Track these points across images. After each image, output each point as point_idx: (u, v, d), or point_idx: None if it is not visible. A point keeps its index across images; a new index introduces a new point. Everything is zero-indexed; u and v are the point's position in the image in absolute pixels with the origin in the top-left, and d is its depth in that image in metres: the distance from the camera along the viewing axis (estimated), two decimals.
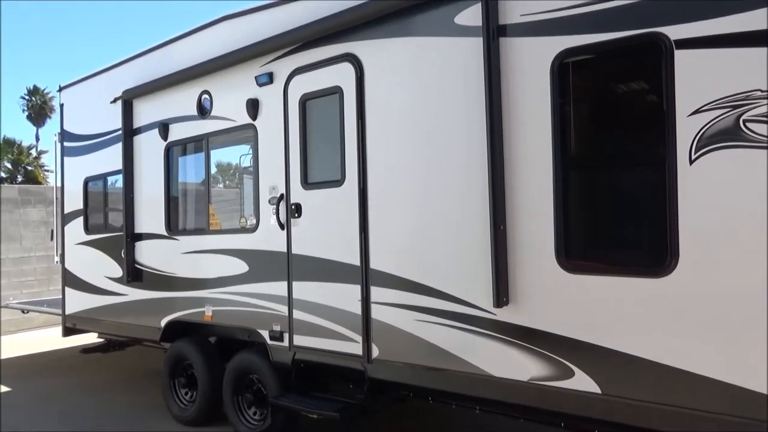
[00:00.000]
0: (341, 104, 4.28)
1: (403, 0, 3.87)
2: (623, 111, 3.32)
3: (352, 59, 4.22)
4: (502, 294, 3.40)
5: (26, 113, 50.65)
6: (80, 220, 6.86)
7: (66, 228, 7.09)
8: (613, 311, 3.08)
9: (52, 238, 7.39)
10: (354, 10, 4.13)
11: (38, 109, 50.75)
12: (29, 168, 38.35)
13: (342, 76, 4.27)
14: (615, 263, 3.12)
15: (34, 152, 40.93)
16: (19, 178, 36.54)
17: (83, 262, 6.80)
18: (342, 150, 4.27)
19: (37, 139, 49.52)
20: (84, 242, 6.77)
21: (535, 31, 3.36)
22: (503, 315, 3.46)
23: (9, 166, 37.78)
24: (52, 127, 61.78)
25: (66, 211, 7.09)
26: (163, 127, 5.70)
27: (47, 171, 39.95)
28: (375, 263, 4.10)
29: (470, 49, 3.61)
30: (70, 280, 6.98)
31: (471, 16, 3.61)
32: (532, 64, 3.36)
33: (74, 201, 6.97)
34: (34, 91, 50.76)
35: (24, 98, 50.58)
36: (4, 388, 7.06)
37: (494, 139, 3.43)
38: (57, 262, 7.22)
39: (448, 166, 3.73)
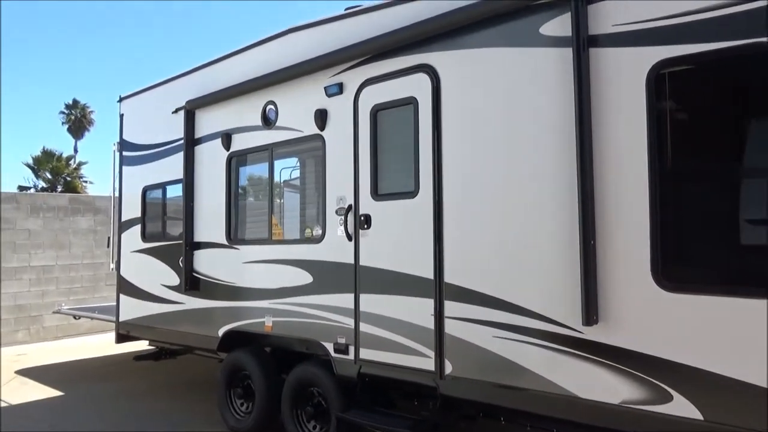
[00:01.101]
0: (416, 115, 4.23)
1: (484, 10, 3.82)
2: (722, 121, 3.20)
3: (428, 70, 4.17)
4: (591, 312, 3.28)
5: (66, 126, 51.97)
6: (137, 228, 6.93)
7: (122, 236, 7.17)
8: (717, 333, 2.93)
9: (108, 246, 7.48)
10: (431, 22, 4.10)
11: (77, 122, 52.05)
12: (68, 179, 39.25)
13: (417, 86, 4.23)
14: (719, 282, 2.98)
15: (72, 163, 41.88)
16: (59, 189, 37.42)
17: (139, 269, 6.85)
18: (416, 161, 4.21)
19: (76, 150, 50.75)
20: (141, 250, 6.83)
21: (629, 41, 3.27)
22: (592, 334, 3.33)
23: (49, 176, 38.74)
24: (89, 140, 63.45)
25: (123, 219, 7.18)
26: (226, 137, 5.74)
27: (86, 182, 40.86)
28: (450, 277, 4.01)
29: (557, 59, 3.53)
30: (125, 287, 7.04)
31: (557, 26, 3.54)
32: (626, 74, 3.27)
33: (132, 209, 7.05)
34: (73, 105, 52.14)
35: (64, 112, 51.95)
36: (58, 393, 7.12)
37: (584, 151, 3.34)
38: (112, 269, 7.29)
39: (532, 178, 3.64)
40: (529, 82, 3.67)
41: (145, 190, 6.88)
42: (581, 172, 3.33)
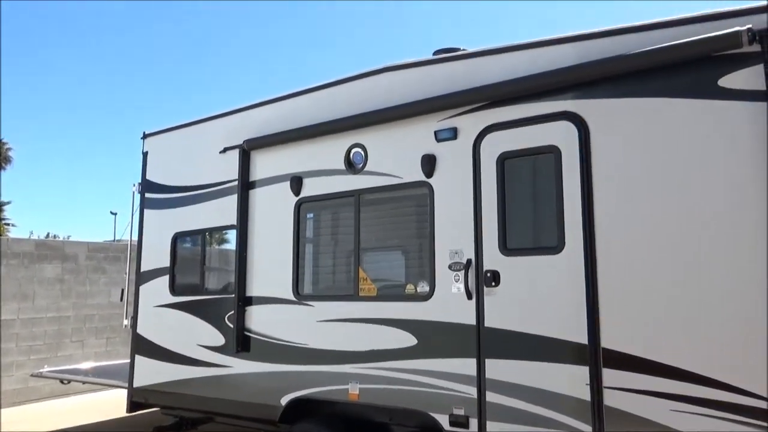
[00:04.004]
0: (558, 165, 3.94)
1: (649, 61, 3.64)
2: None
3: (573, 117, 3.93)
4: None
5: None
6: (164, 279, 6.14)
7: (141, 288, 6.34)
8: None
9: (121, 299, 6.57)
10: (581, 69, 3.88)
11: None
12: None
13: (559, 134, 3.97)
14: None
15: None
16: None
17: (166, 327, 6.03)
18: (560, 214, 3.90)
19: None
20: (169, 304, 6.03)
21: None
22: None
23: None
24: (8, 178, 59.00)
25: (144, 269, 6.36)
26: (296, 181, 5.21)
27: (8, 224, 37.67)
28: (608, 342, 3.66)
29: (740, 113, 3.38)
30: (144, 347, 6.17)
31: (741, 79, 3.40)
32: None
33: (156, 258, 6.26)
34: None
35: None
36: None
37: None
38: (126, 326, 6.41)
39: (709, 235, 3.40)
40: (704, 135, 3.49)
41: (176, 237, 6.14)
42: None
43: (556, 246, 3.90)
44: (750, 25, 3.30)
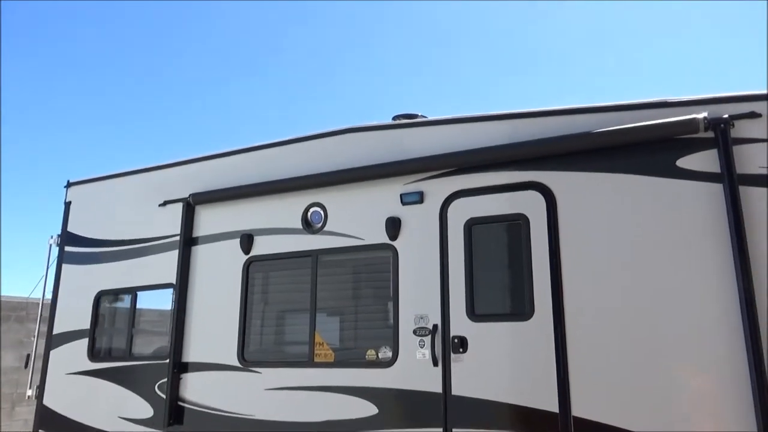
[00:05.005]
0: (526, 232, 4.04)
1: (616, 140, 3.89)
2: None
3: (540, 188, 4.08)
4: None
5: None
6: (81, 343, 5.51)
7: (52, 354, 5.64)
8: None
9: (26, 366, 5.77)
10: (549, 143, 4.06)
11: None
12: None
13: (526, 203, 4.09)
14: None
15: None
16: None
17: (81, 398, 5.36)
18: (529, 280, 3.96)
19: None
20: (86, 371, 5.40)
21: None
22: None
23: None
24: None
25: (56, 331, 5.69)
26: (247, 239, 4.96)
27: None
28: (579, 410, 3.68)
29: (697, 192, 3.66)
30: (52, 422, 5.42)
31: (698, 161, 3.70)
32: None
33: (71, 319, 5.64)
34: None
35: None
36: None
37: (745, 275, 3.40)
38: (29, 396, 5.62)
39: (673, 304, 3.58)
40: (665, 211, 3.72)
41: (100, 296, 5.58)
42: (746, 299, 3.36)
43: (525, 312, 3.93)
44: (706, 114, 3.64)
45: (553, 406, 3.73)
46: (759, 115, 3.58)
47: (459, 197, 4.32)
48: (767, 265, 3.41)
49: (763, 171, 3.55)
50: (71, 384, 5.44)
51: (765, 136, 3.55)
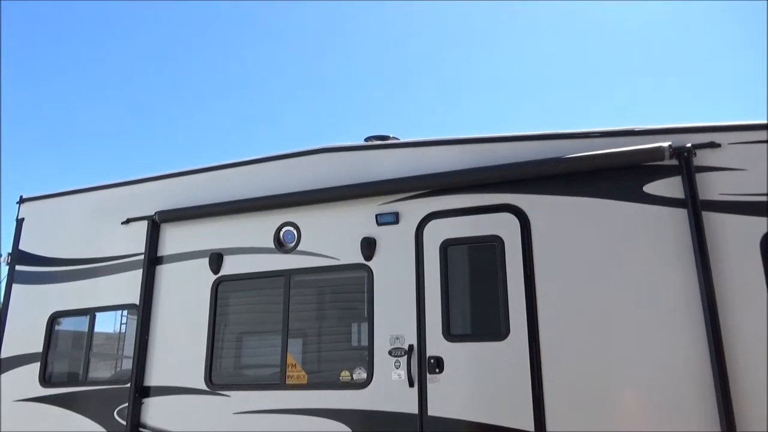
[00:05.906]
0: (501, 253, 4.13)
1: (588, 165, 4.05)
2: None
3: (515, 210, 4.19)
4: None
5: None
6: (32, 367, 5.22)
7: (1, 379, 5.30)
8: None
9: None
10: (522, 167, 4.19)
11: None
12: None
13: (501, 225, 4.19)
14: None
15: None
16: None
17: (30, 426, 5.05)
18: (504, 301, 4.04)
19: None
20: (38, 398, 5.10)
21: (739, 210, 3.73)
22: None
23: None
24: None
25: (4, 355, 5.36)
26: (216, 258, 4.86)
27: None
28: (553, 427, 3.75)
29: (662, 216, 3.85)
30: None
31: (663, 187, 3.90)
32: (737, 238, 3.68)
33: (23, 342, 5.34)
34: None
35: None
36: None
37: (709, 294, 3.58)
38: None
39: (645, 323, 3.73)
40: (633, 233, 3.89)
41: (54, 317, 5.32)
42: (710, 320, 3.54)
43: (501, 332, 4.00)
44: (670, 142, 3.85)
45: (528, 425, 3.79)
46: (718, 145, 3.82)
47: (435, 218, 4.38)
48: (728, 284, 3.61)
49: (724, 197, 3.78)
50: (20, 411, 5.13)
51: (724, 165, 3.79)
